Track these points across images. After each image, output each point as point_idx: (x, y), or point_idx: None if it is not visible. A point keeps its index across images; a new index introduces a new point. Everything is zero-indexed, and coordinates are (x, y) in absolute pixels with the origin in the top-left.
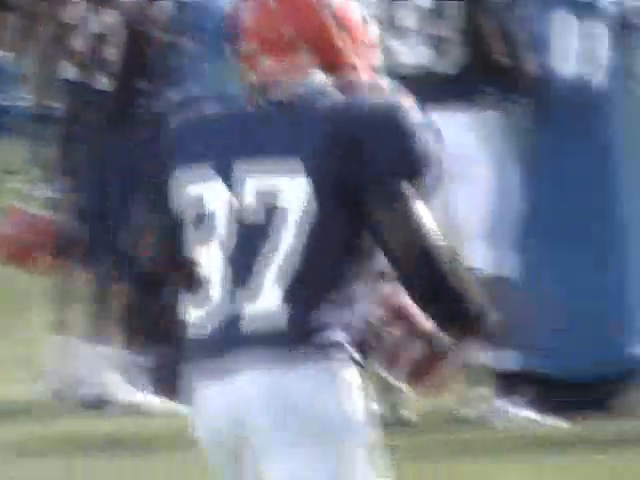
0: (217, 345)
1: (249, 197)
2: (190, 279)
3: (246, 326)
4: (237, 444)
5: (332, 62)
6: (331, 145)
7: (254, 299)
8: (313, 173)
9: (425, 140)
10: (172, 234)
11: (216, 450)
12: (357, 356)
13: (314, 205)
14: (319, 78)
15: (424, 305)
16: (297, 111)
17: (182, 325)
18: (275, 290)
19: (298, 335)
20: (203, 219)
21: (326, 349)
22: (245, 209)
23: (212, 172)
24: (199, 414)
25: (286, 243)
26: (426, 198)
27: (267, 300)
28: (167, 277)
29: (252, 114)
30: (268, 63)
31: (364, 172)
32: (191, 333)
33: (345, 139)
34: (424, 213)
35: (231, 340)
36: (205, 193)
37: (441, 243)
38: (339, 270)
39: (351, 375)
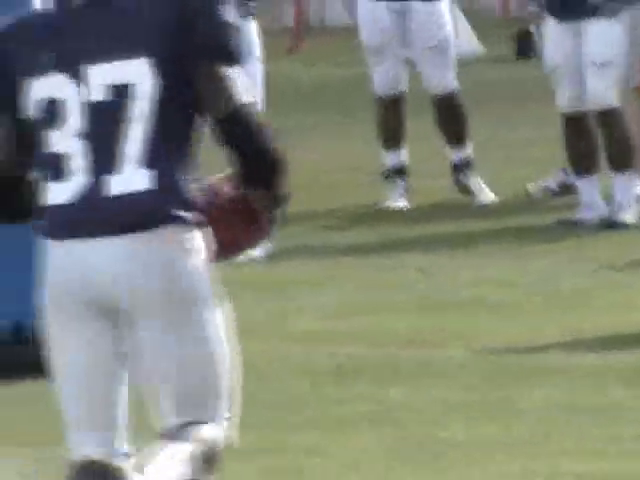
0: (79, 211)
1: (97, 85)
2: (44, 159)
3: (107, 194)
4: (90, 302)
5: None
6: (165, 27)
7: (114, 172)
8: (153, 54)
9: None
10: (22, 130)
11: (63, 306)
12: (202, 219)
13: (157, 82)
14: None
15: (233, 144)
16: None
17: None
18: (133, 164)
19: (155, 204)
20: (54, 110)
21: (179, 216)
22: (94, 95)
23: (57, 67)
24: (53, 270)
25: (139, 121)
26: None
27: (127, 173)
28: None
29: (81, 9)
30: None
31: (191, 48)
32: (52, 201)
33: (175, 22)
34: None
35: (93, 207)
36: (52, 87)
37: (247, 100)
38: (185, 138)
39: (199, 237)
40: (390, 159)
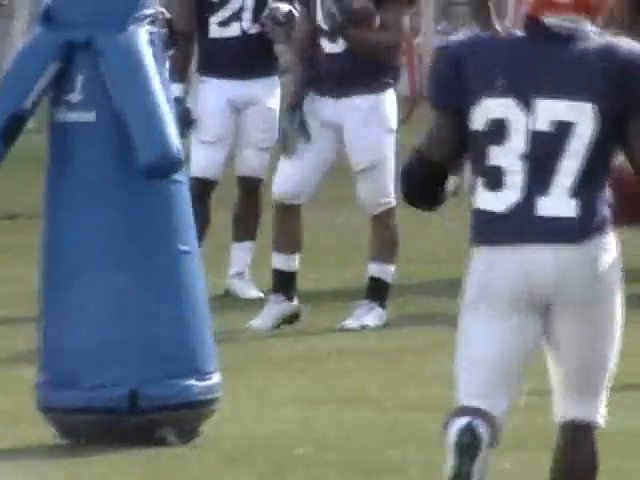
0: (512, 222)
1: (543, 116)
2: (483, 169)
3: (536, 213)
4: (520, 296)
5: (594, 12)
6: (609, 78)
7: (545, 195)
8: (596, 101)
9: None
10: (463, 137)
11: (490, 300)
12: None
13: (595, 126)
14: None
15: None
16: (578, 47)
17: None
18: (563, 192)
19: (582, 221)
20: (500, 129)
21: (601, 231)
22: (539, 125)
23: (510, 92)
24: (483, 269)
25: (573, 156)
26: None
27: (556, 199)
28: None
29: (532, 44)
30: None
31: (630, 99)
32: (485, 207)
33: (618, 74)
34: None
35: (526, 218)
36: (503, 109)
37: None
38: (606, 173)
39: (615, 249)
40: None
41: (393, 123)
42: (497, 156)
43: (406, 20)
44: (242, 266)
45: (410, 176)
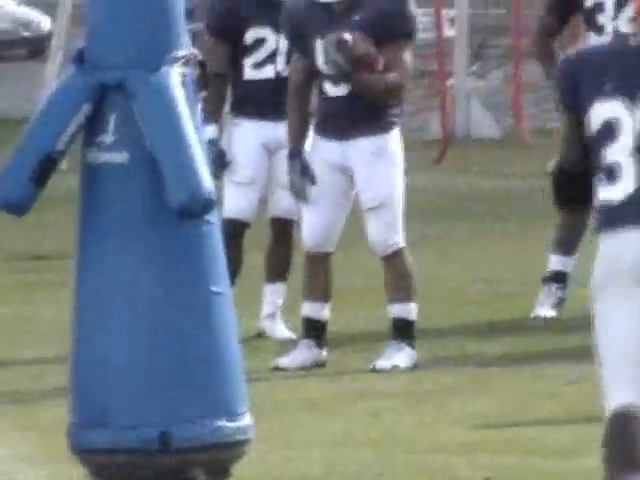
0: (628, 208)
1: None
2: (602, 170)
3: None
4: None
5: None
6: None
7: None
8: None
9: None
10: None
11: (615, 285)
12: None
13: None
14: None
15: None
16: None
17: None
18: None
19: None
20: (610, 129)
21: None
22: None
23: (617, 93)
24: (621, 255)
25: None
26: None
27: None
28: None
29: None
30: None
31: None
32: (604, 199)
33: None
34: None
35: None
36: (612, 110)
37: None
38: None
39: None
40: (557, 263)
41: (400, 162)
42: (610, 154)
43: (409, 56)
44: (274, 307)
45: (561, 188)
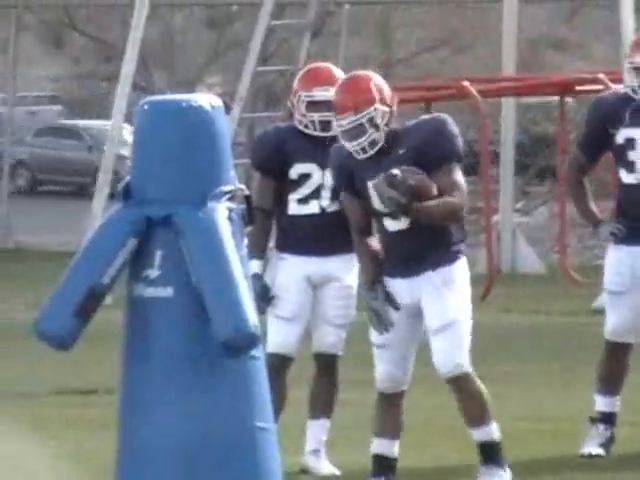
0: None
1: None
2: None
3: None
4: None
5: None
6: None
7: None
8: None
9: None
10: None
11: None
12: None
13: None
14: None
15: None
16: None
17: None
18: None
19: None
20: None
21: None
22: None
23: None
24: None
25: None
26: None
27: None
28: None
29: None
30: None
31: None
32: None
33: None
34: None
35: None
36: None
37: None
38: None
39: None
40: (603, 404)
41: (467, 291)
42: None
43: (460, 176)
44: (318, 443)
45: None
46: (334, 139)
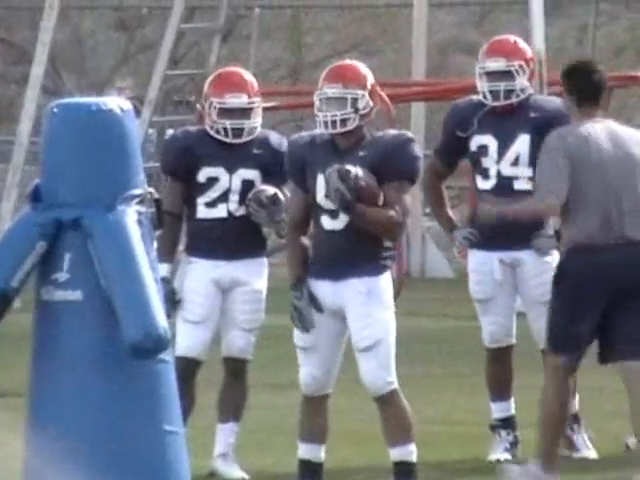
0: None
1: None
2: None
3: None
4: None
5: None
6: None
7: None
8: None
9: None
10: None
11: None
12: None
13: None
14: None
15: None
16: None
17: None
18: None
19: None
20: None
21: None
22: None
23: None
24: None
25: None
26: None
27: None
28: None
29: None
30: None
31: None
32: None
33: None
34: None
35: None
36: None
37: None
38: None
39: None
40: (498, 410)
41: (391, 304)
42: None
43: (409, 198)
44: (227, 447)
45: None
46: (243, 145)
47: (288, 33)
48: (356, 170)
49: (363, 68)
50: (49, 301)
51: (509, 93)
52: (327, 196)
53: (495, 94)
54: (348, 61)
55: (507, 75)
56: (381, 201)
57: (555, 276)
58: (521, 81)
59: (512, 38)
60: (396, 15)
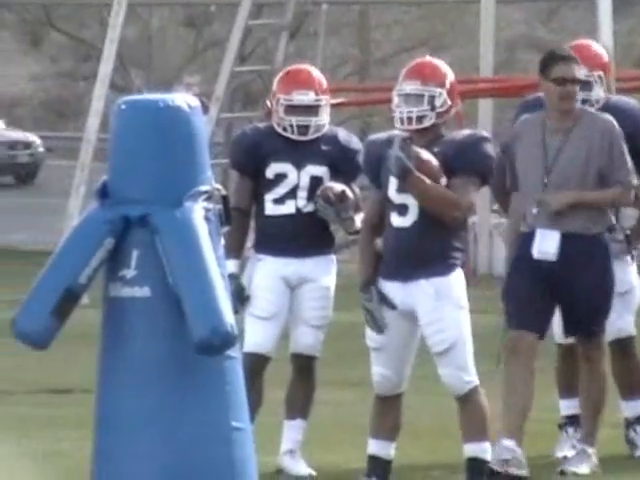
0: None
1: None
2: None
3: None
4: None
5: None
6: None
7: None
8: None
9: None
10: None
11: None
12: None
13: None
14: None
15: None
16: None
17: None
18: None
19: None
20: None
21: None
22: None
23: None
24: None
25: None
26: None
27: None
28: None
29: None
30: None
31: None
32: None
33: None
34: None
35: None
36: None
37: None
38: None
39: None
40: (566, 409)
41: (465, 303)
42: None
43: (475, 194)
44: (294, 444)
45: None
46: (312, 142)
47: (356, 29)
48: (420, 149)
49: (443, 66)
50: (117, 298)
51: (584, 102)
52: (388, 161)
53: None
54: (428, 58)
55: (585, 85)
56: (443, 183)
57: None
58: (597, 92)
59: (590, 43)
60: (464, 11)
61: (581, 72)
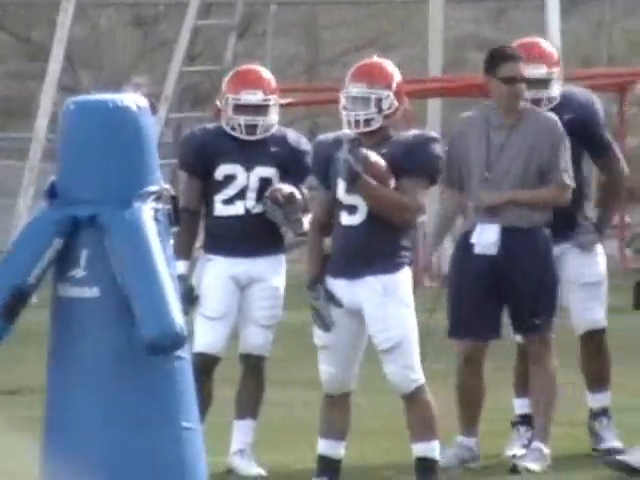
0: None
1: None
2: None
3: None
4: None
5: None
6: None
7: None
8: None
9: None
10: None
11: None
12: None
13: None
14: None
15: None
16: None
17: None
18: None
19: None
20: None
21: None
22: None
23: None
24: None
25: None
26: None
27: None
28: None
29: None
30: None
31: None
32: None
33: None
34: None
35: None
36: None
37: None
38: None
39: None
40: (520, 406)
41: (411, 302)
42: None
43: (423, 196)
44: (244, 444)
45: None
46: (261, 143)
47: (304, 29)
48: (368, 151)
49: (390, 66)
50: (66, 297)
51: (539, 102)
52: (337, 165)
53: (535, 101)
54: (376, 58)
55: (544, 83)
56: (391, 184)
57: None
58: (556, 89)
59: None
60: (413, 10)
61: (541, 71)
